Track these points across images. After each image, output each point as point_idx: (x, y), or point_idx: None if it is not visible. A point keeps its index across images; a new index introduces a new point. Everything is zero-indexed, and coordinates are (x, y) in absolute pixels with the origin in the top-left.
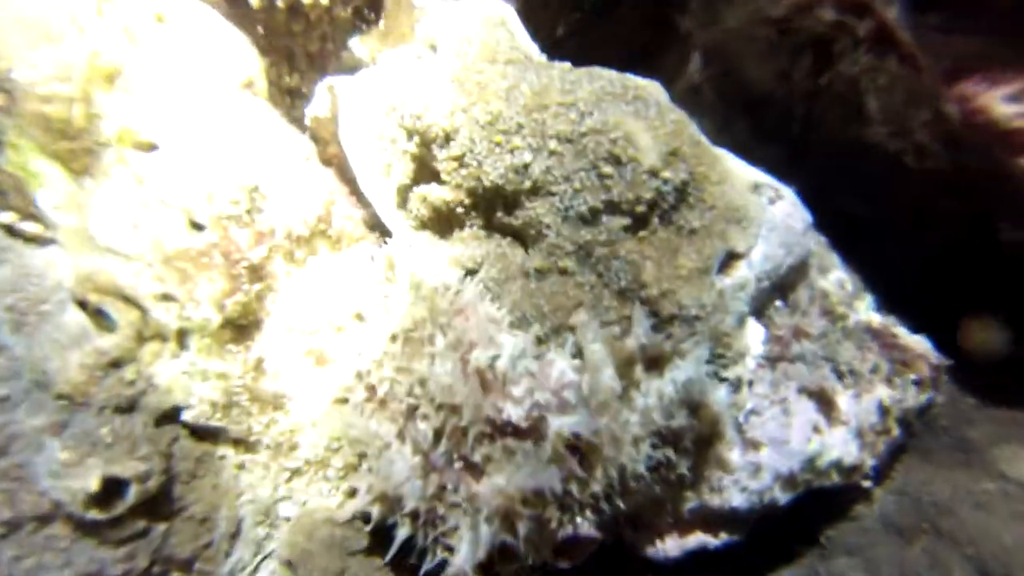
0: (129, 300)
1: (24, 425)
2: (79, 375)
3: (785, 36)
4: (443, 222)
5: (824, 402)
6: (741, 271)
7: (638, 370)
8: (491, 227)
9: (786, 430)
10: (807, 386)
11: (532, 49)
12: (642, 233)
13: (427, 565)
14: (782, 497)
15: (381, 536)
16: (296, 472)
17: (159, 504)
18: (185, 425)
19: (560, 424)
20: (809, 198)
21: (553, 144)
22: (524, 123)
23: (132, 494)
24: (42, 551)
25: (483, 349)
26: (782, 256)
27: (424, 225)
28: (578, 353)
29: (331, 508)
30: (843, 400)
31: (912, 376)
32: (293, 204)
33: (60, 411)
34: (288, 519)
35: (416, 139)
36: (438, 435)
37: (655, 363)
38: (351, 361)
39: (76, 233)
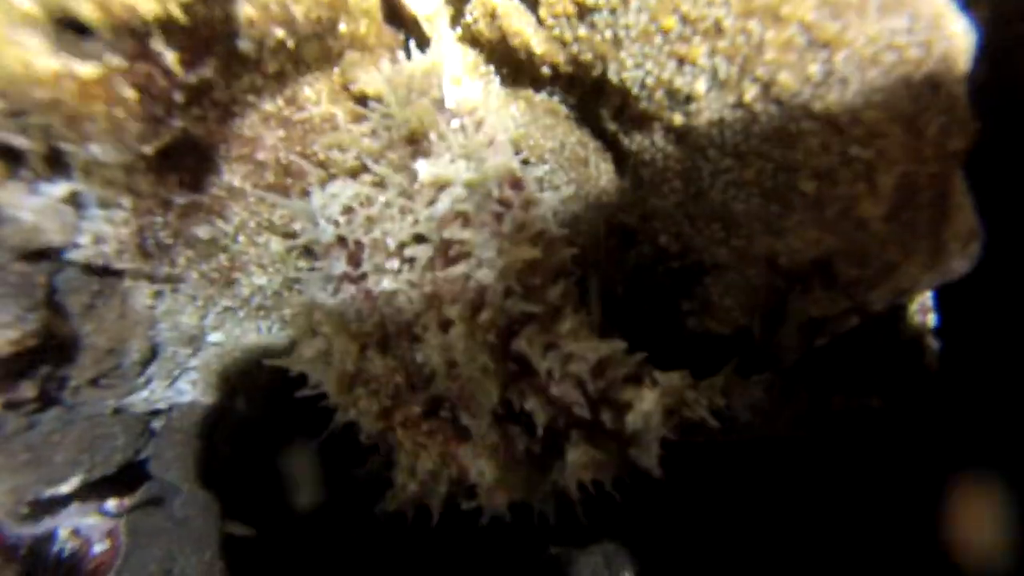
0: None
1: None
2: None
3: None
4: (511, 63)
5: None
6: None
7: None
8: (583, 115)
9: None
10: None
11: None
12: (784, 264)
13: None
14: None
15: None
16: (229, 309)
17: (46, 345)
18: (71, 263)
19: (578, 462)
20: None
21: (753, 92)
22: (726, 26)
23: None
24: None
25: (541, 328)
26: None
27: (477, 45)
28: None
29: (272, 348)
30: None
31: None
32: None
33: None
34: (217, 344)
35: None
36: (432, 377)
37: None
38: (329, 210)
39: None
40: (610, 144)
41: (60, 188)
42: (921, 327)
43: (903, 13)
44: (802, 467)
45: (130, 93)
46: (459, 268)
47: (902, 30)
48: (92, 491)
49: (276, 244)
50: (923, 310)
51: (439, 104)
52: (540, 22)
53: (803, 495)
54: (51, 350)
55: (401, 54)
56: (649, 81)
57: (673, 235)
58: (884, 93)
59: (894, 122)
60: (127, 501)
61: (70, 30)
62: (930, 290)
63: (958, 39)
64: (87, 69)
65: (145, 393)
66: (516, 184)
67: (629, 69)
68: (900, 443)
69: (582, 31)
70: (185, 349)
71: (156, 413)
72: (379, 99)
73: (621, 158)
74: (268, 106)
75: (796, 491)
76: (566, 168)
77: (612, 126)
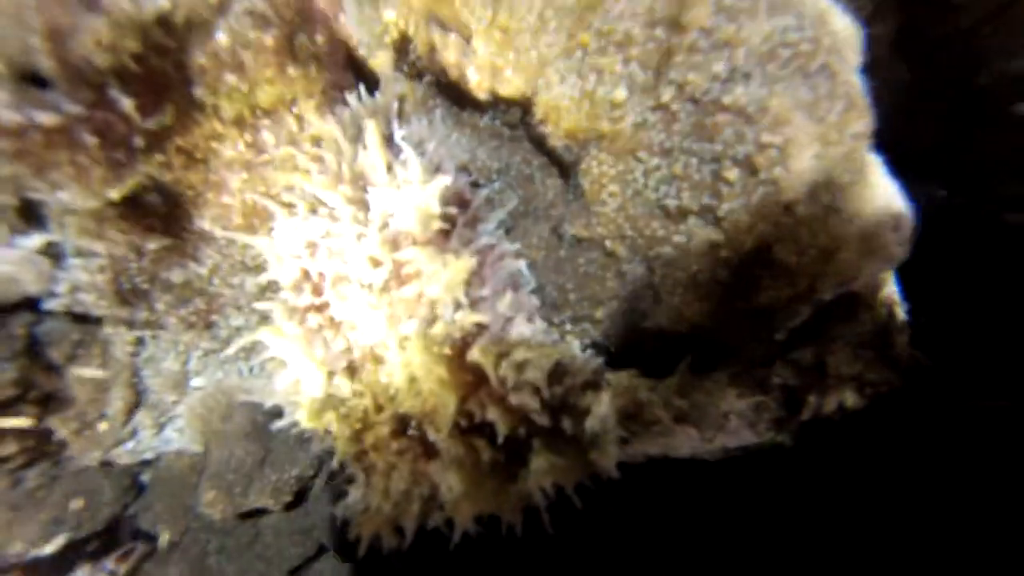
0: None
1: None
2: None
3: None
4: (454, 93)
5: None
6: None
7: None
8: (525, 134)
9: None
10: None
11: None
12: (725, 254)
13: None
14: None
15: None
16: (210, 352)
17: (24, 396)
18: (51, 313)
19: (540, 469)
20: None
21: (669, 94)
22: (637, 36)
23: None
24: None
25: (493, 339)
26: None
27: (422, 80)
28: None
29: (250, 389)
30: None
31: None
32: (222, 39)
33: None
34: (200, 388)
35: None
36: (396, 395)
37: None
38: (292, 246)
39: None
40: (552, 158)
41: (35, 240)
42: (888, 318)
43: (790, 12)
44: (785, 474)
45: (91, 139)
46: (412, 287)
47: (792, 27)
48: (87, 550)
49: (250, 284)
50: (889, 301)
51: (388, 139)
52: (474, 52)
53: (789, 504)
54: (33, 403)
55: (353, 95)
56: (575, 94)
57: (618, 238)
58: (784, 83)
59: (796, 109)
60: (123, 567)
61: (31, 83)
62: (877, 276)
63: (843, 33)
64: (48, 118)
65: (131, 444)
66: (462, 203)
67: (556, 85)
68: (875, 440)
69: (510, 55)
70: (170, 395)
71: (145, 464)
72: (332, 139)
73: (563, 170)
74: (230, 151)
75: (782, 501)
76: (514, 186)
77: (552, 141)
